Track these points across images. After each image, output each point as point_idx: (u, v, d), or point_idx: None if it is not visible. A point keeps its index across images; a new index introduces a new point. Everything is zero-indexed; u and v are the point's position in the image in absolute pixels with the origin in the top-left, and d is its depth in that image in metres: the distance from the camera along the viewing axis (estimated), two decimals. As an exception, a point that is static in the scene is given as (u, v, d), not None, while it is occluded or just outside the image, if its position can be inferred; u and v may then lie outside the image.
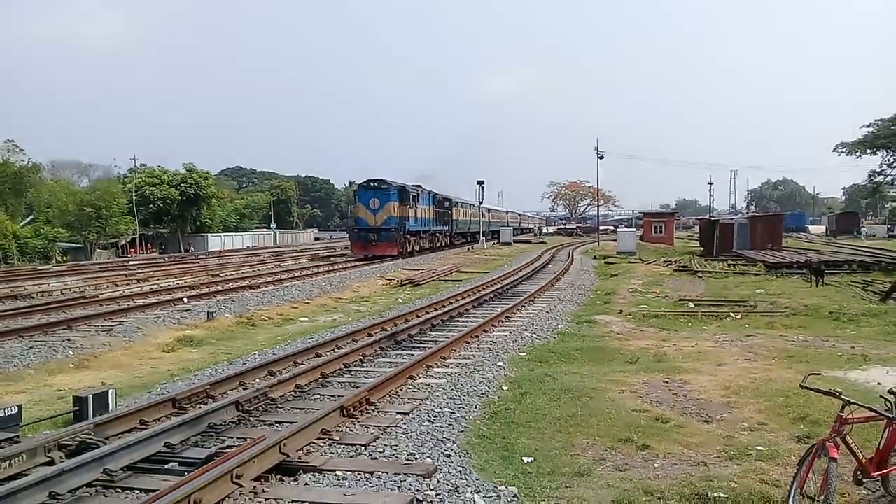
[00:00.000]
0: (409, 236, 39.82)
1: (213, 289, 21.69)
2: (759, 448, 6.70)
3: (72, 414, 7.70)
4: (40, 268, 36.03)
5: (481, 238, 56.09)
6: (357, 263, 35.76)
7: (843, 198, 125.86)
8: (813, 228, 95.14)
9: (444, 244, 50.54)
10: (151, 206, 59.73)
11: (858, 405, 5.05)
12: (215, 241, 65.44)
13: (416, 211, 41.74)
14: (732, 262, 31.98)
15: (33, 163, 50.96)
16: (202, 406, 8.08)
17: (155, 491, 5.49)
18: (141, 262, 42.45)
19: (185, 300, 18.27)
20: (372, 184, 38.85)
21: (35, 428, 7.35)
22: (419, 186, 45.36)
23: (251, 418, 7.87)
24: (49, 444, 6.29)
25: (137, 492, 5.74)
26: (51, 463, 6.06)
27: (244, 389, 8.94)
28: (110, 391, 8.17)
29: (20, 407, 7.15)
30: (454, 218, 55.23)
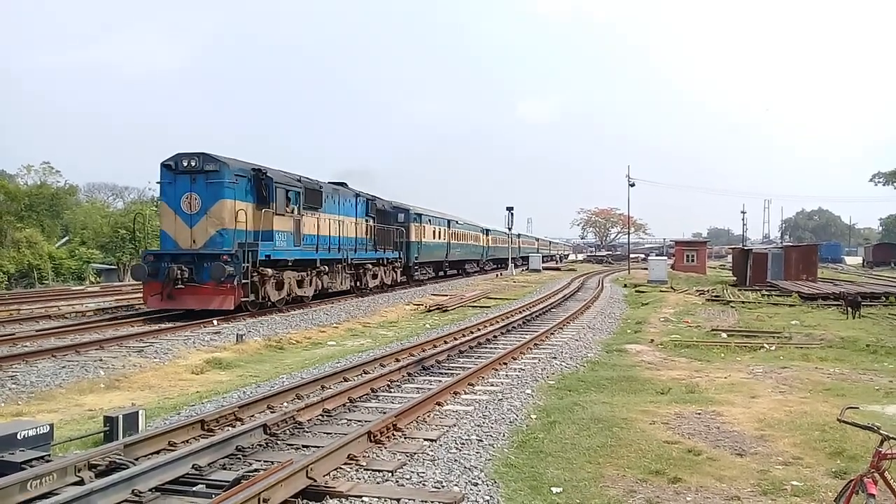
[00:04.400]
0: (282, 271, 21.72)
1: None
2: (795, 483, 6.53)
3: (102, 434, 7.76)
4: (74, 288, 36.61)
5: (510, 265, 55.86)
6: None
7: (881, 228, 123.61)
8: (849, 259, 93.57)
9: (391, 281, 33.20)
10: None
11: None
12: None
13: (310, 223, 23.39)
14: (766, 293, 31.51)
15: (70, 185, 51.97)
16: (230, 428, 8.09)
17: (182, 513, 5.50)
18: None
19: (215, 322, 18.40)
20: (186, 163, 19.50)
21: (66, 447, 7.41)
22: (340, 184, 28.64)
23: (278, 441, 7.86)
24: (79, 463, 6.33)
25: (165, 513, 5.74)
26: (80, 483, 6.09)
27: (272, 412, 8.94)
28: (140, 412, 8.23)
29: (52, 426, 7.21)
30: (413, 239, 36.48)
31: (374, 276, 30.95)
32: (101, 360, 13.21)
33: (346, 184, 29.42)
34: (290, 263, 22.17)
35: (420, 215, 38.38)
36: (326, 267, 25.03)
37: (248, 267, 19.47)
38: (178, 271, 18.94)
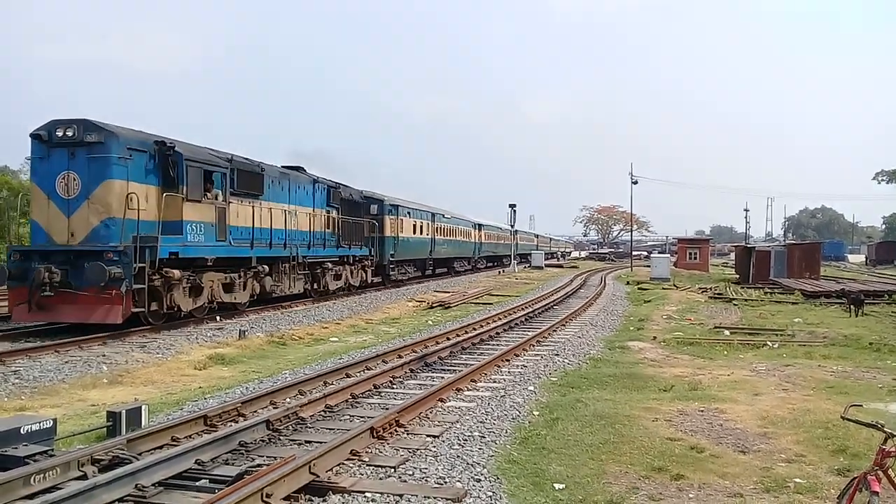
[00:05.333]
0: (200, 273, 17.46)
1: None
2: (798, 480, 6.53)
3: (105, 429, 7.76)
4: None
5: (512, 262, 55.76)
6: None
7: (884, 227, 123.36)
8: (852, 257, 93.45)
9: (360, 282, 28.97)
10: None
11: None
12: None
13: (243, 213, 19.39)
14: (769, 290, 31.49)
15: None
16: (233, 424, 8.09)
17: (185, 508, 5.51)
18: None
19: (218, 318, 18.41)
20: (61, 133, 15.32)
21: (69, 442, 7.42)
22: (295, 168, 24.46)
23: (281, 437, 7.87)
24: (82, 458, 6.34)
25: (168, 508, 5.75)
26: (84, 477, 6.10)
27: (275, 408, 8.95)
28: (143, 407, 8.23)
29: (55, 420, 7.22)
30: (388, 234, 32.84)
31: (337, 277, 26.45)
32: (104, 355, 13.23)
33: (302, 168, 24.88)
34: (209, 262, 17.61)
35: (397, 207, 34.32)
36: (267, 267, 20.53)
37: (143, 268, 15.12)
38: (47, 274, 14.64)
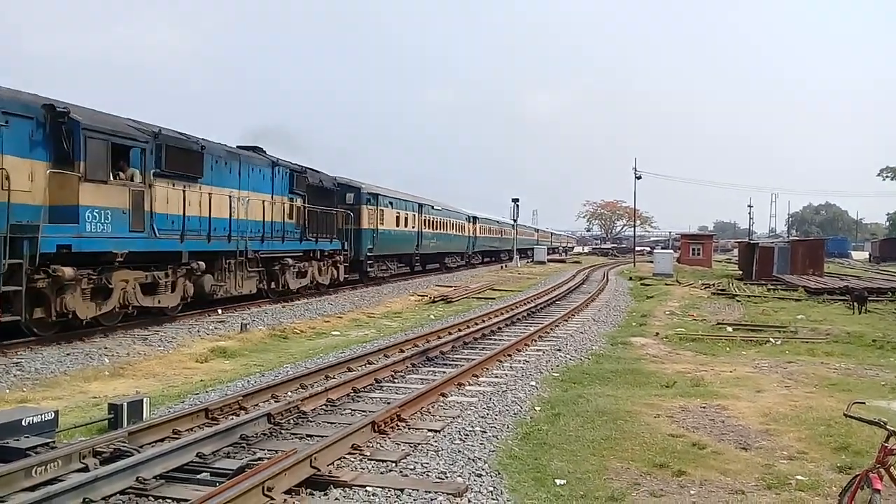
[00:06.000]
0: (110, 272, 14.18)
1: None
2: (800, 477, 6.51)
3: (106, 421, 7.77)
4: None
5: (514, 256, 55.72)
6: (406, 275, 32.06)
7: (888, 223, 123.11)
8: (855, 254, 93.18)
9: (330, 280, 25.59)
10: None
11: None
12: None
13: (173, 198, 16.21)
14: (772, 287, 31.42)
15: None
16: (234, 417, 8.11)
17: (187, 501, 5.53)
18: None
19: (220, 311, 18.42)
20: None
21: (70, 434, 7.42)
22: (251, 148, 21.18)
23: (283, 431, 7.87)
24: (84, 450, 6.34)
25: (170, 501, 5.77)
26: (85, 469, 6.11)
27: (276, 402, 8.95)
28: (144, 400, 8.23)
29: (57, 413, 7.22)
30: (366, 226, 29.55)
31: (302, 275, 23.19)
32: (105, 347, 13.23)
33: (260, 149, 21.58)
34: (120, 258, 14.14)
35: (376, 196, 31.05)
36: (203, 263, 17.09)
37: (18, 264, 11.90)
38: None
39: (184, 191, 16.45)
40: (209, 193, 17.47)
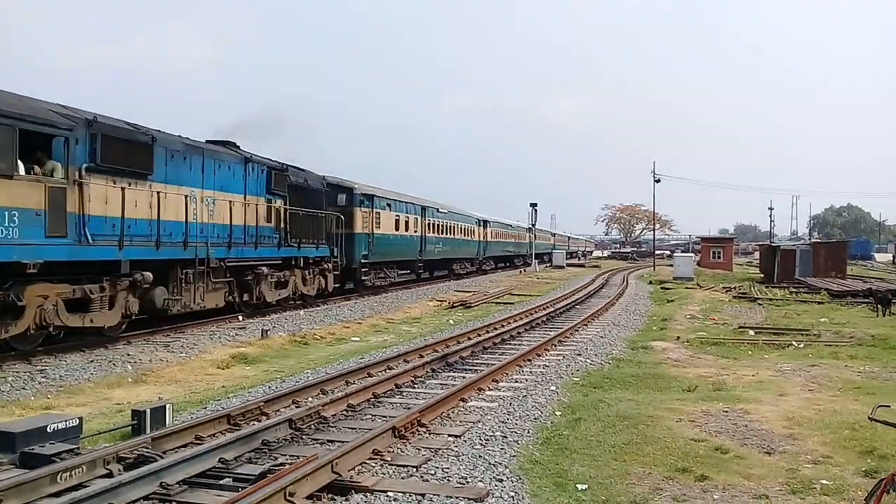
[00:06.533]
0: (22, 285, 11.75)
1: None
2: (824, 482, 6.44)
3: (130, 427, 7.83)
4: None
5: (533, 261, 55.63)
6: (408, 283, 31.53)
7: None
8: (879, 256, 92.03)
9: (318, 290, 23.04)
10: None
11: None
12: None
13: (112, 197, 13.63)
14: (794, 290, 31.11)
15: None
16: (256, 423, 8.14)
17: (209, 506, 5.55)
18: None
19: (240, 318, 18.53)
20: None
21: (95, 440, 7.49)
22: (221, 143, 18.93)
23: (304, 436, 7.90)
24: (108, 456, 6.40)
25: (192, 506, 5.80)
26: (109, 475, 6.16)
27: (297, 407, 8.99)
28: (167, 406, 8.29)
29: (81, 419, 7.30)
30: (360, 231, 27.15)
31: (281, 285, 20.55)
32: (128, 354, 13.36)
33: (232, 143, 19.24)
34: (32, 269, 11.68)
35: (371, 197, 28.50)
36: (149, 274, 14.35)
37: None
38: None
39: (126, 189, 13.89)
40: (160, 192, 14.92)
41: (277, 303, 20.62)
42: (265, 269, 19.41)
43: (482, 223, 48.59)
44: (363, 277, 27.82)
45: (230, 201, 17.81)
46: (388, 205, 30.64)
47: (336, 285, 24.52)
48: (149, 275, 14.41)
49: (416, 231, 34.29)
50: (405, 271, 33.91)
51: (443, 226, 39.06)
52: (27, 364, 12.02)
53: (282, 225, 20.44)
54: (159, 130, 15.46)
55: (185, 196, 15.84)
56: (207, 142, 18.16)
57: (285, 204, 20.70)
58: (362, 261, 27.37)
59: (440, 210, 38.63)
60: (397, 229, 31.59)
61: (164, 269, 15.31)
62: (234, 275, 18.20)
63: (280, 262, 20.45)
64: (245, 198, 18.61)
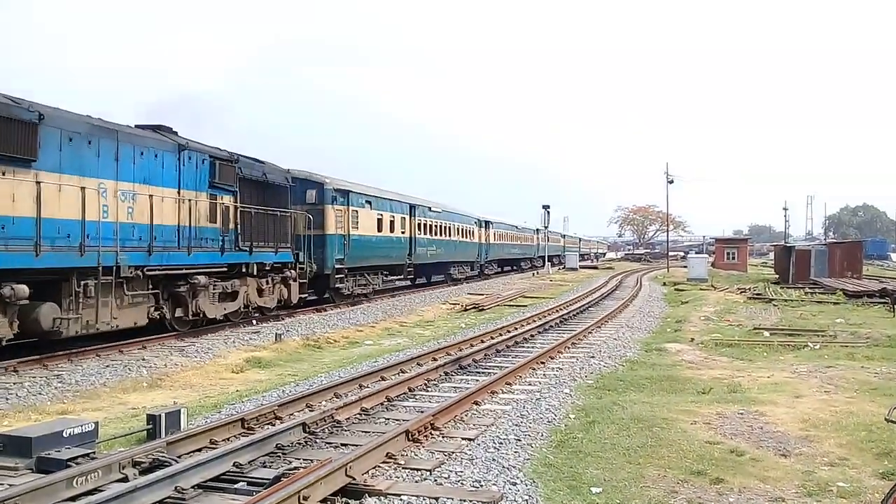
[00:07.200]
0: None
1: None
2: (841, 484, 6.39)
3: (145, 432, 7.88)
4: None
5: (546, 263, 55.54)
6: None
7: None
8: (895, 256, 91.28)
9: (278, 301, 19.95)
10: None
11: None
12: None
13: None
14: (809, 290, 30.88)
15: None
16: (270, 427, 8.17)
17: (223, 510, 5.57)
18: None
19: (254, 322, 18.60)
20: None
21: (110, 444, 7.54)
22: (153, 127, 15.62)
23: (317, 440, 7.91)
24: (123, 460, 6.44)
25: (207, 510, 5.82)
26: (125, 479, 6.20)
27: (311, 411, 9.01)
28: (182, 410, 8.34)
29: (96, 424, 7.35)
30: (332, 232, 23.39)
31: (229, 297, 17.43)
32: (143, 359, 13.44)
33: (167, 128, 15.98)
34: None
35: (346, 193, 24.78)
36: (25, 287, 11.37)
37: None
38: None
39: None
40: (49, 183, 11.95)
41: (225, 318, 17.60)
42: (202, 279, 16.15)
43: (483, 224, 45.35)
44: (338, 285, 24.32)
45: (164, 197, 14.93)
46: (368, 202, 26.97)
47: (304, 295, 21.54)
48: (22, 288, 11.33)
49: (403, 232, 30.85)
50: (397, 276, 31.56)
51: (436, 226, 35.59)
52: (44, 369, 12.13)
53: (231, 225, 17.37)
54: (55, 108, 12.52)
55: (84, 189, 12.66)
56: (138, 125, 15.29)
57: (235, 201, 17.61)
58: (336, 266, 23.76)
59: (432, 209, 35.10)
60: (380, 230, 28.04)
61: (56, 281, 12.45)
62: (162, 286, 15.21)
63: (225, 269, 17.35)
64: (179, 192, 15.54)
